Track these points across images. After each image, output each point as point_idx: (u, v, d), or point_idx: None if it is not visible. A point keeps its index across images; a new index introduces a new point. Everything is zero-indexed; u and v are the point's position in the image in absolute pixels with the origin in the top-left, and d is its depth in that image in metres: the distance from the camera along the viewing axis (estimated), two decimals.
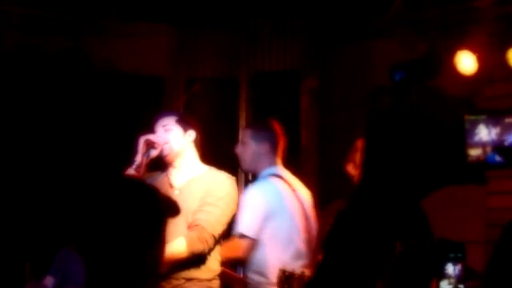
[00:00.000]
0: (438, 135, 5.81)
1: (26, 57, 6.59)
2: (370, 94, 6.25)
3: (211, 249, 4.38)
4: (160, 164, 4.57)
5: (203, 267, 4.37)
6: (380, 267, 3.54)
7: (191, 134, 4.55)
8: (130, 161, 4.38)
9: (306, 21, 6.73)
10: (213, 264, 4.43)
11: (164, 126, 4.51)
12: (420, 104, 5.72)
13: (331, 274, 3.87)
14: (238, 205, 4.55)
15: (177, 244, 4.24)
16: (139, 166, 4.34)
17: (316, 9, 6.65)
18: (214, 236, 4.33)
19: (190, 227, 4.31)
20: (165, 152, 4.47)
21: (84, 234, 2.20)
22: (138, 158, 4.38)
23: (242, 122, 6.97)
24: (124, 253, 2.20)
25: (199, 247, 4.29)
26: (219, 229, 4.36)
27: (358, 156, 4.27)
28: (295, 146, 6.62)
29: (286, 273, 3.85)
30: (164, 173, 4.56)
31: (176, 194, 4.39)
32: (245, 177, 6.75)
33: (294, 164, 6.60)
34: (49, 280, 6.26)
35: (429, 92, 6.08)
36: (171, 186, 4.48)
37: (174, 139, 4.49)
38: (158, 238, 2.28)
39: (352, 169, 4.31)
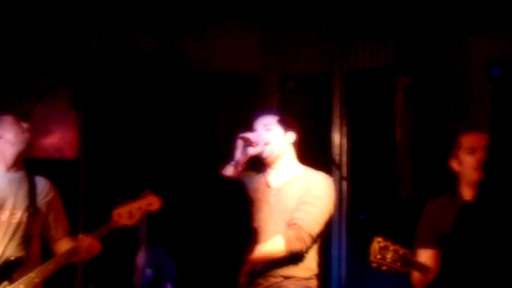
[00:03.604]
0: None
1: (122, 55, 6.71)
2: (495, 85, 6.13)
3: (308, 248, 4.36)
4: (257, 163, 4.58)
5: (301, 266, 4.37)
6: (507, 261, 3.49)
7: (291, 136, 4.52)
8: (225, 157, 4.40)
9: (401, 17, 6.65)
10: (311, 263, 4.42)
11: (265, 125, 4.48)
12: None
13: (458, 267, 3.83)
14: (335, 205, 4.52)
15: (275, 243, 4.25)
16: (237, 163, 4.34)
17: (411, 5, 6.58)
18: (311, 236, 4.32)
19: (288, 226, 4.31)
20: (266, 153, 4.45)
21: (175, 234, 2.21)
22: (237, 156, 4.38)
23: (336, 119, 6.95)
24: (215, 254, 2.20)
25: (297, 246, 4.28)
26: (316, 228, 4.35)
27: (461, 153, 4.20)
28: (390, 142, 6.57)
29: (381, 244, 3.80)
30: (261, 173, 4.55)
31: (273, 194, 4.40)
32: (339, 175, 6.73)
33: (388, 161, 6.57)
34: (149, 272, 6.36)
35: None
36: (268, 186, 4.47)
37: (275, 139, 4.46)
38: (248, 238, 2.28)
39: (456, 166, 4.23)
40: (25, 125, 4.63)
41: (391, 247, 3.80)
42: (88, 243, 4.52)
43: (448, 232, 4.10)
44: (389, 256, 3.79)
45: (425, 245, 4.18)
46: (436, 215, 4.20)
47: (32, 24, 6.35)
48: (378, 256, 3.79)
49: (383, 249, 3.79)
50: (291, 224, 4.30)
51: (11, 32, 6.27)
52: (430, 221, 4.22)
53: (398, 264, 3.80)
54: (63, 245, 4.67)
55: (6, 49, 6.25)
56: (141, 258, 5.49)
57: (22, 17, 6.30)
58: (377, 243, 3.80)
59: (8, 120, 4.62)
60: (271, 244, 4.24)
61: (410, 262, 3.85)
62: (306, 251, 4.36)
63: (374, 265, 3.82)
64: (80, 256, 4.56)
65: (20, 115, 4.70)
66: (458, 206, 4.12)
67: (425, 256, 4.12)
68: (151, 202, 4.56)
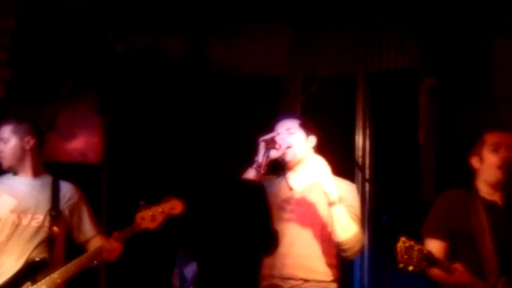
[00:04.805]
0: None
1: (147, 60, 6.75)
2: None
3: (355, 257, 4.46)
4: (277, 167, 4.59)
5: (322, 270, 4.37)
6: None
7: (312, 140, 4.53)
8: (249, 161, 4.41)
9: (425, 18, 6.63)
10: (333, 268, 4.43)
11: (288, 129, 4.50)
12: None
13: None
14: None
15: (351, 225, 4.28)
16: (259, 166, 4.35)
17: (435, 6, 6.55)
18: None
19: None
20: (289, 157, 4.46)
21: (193, 236, 2.23)
22: (259, 158, 4.39)
23: (359, 121, 6.95)
24: (235, 256, 2.22)
25: (356, 247, 4.34)
26: None
27: (484, 150, 4.20)
28: (413, 145, 6.56)
29: (406, 244, 3.80)
30: (282, 177, 4.56)
31: (296, 198, 4.40)
32: (362, 177, 6.73)
33: (411, 163, 6.56)
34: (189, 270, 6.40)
35: None
36: (290, 189, 4.47)
37: (298, 143, 4.48)
38: (269, 240, 2.29)
39: (476, 163, 4.24)
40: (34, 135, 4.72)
41: (416, 247, 3.80)
42: (110, 245, 4.59)
43: (460, 225, 4.11)
44: (415, 255, 3.78)
45: (435, 236, 4.18)
46: (450, 207, 4.20)
47: (58, 29, 6.41)
48: (405, 256, 3.78)
49: (408, 248, 3.79)
50: None
51: (37, 37, 6.33)
52: (444, 212, 4.22)
53: (424, 263, 3.80)
54: (92, 246, 4.75)
55: (32, 54, 6.31)
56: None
57: (48, 22, 6.37)
58: (402, 243, 3.79)
59: (25, 128, 4.72)
60: (351, 223, 4.28)
61: (434, 261, 3.84)
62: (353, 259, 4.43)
63: (401, 265, 3.81)
64: (102, 258, 4.62)
65: (43, 121, 4.78)
66: (474, 200, 4.13)
67: (433, 247, 4.11)
68: (174, 206, 4.58)
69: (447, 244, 4.16)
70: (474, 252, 4.05)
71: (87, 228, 4.83)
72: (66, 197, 4.76)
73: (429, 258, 3.81)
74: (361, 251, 4.47)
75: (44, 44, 6.38)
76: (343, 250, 4.33)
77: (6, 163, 4.74)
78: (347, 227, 4.25)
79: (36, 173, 4.76)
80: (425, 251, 3.81)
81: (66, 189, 4.79)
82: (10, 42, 6.09)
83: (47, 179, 4.79)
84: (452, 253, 4.15)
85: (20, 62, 6.18)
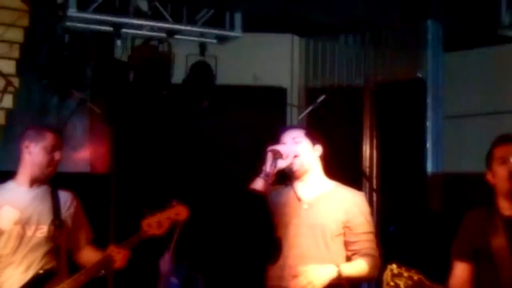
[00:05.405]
0: None
1: (155, 69, 6.77)
2: None
3: None
4: (284, 177, 4.58)
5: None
6: None
7: (318, 149, 4.52)
8: (256, 171, 4.40)
9: (431, 29, 6.65)
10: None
11: (293, 138, 4.49)
12: None
13: None
14: None
15: (360, 264, 4.27)
16: (267, 176, 4.34)
17: (442, 17, 6.57)
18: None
19: (357, 254, 4.34)
20: (296, 165, 4.45)
21: (200, 248, 2.23)
22: (267, 168, 4.39)
23: (366, 131, 6.96)
24: (239, 265, 2.22)
25: (375, 274, 4.31)
26: None
27: (494, 164, 4.19)
28: (421, 155, 6.56)
29: (395, 271, 3.77)
30: (289, 187, 4.53)
31: (304, 209, 4.39)
32: (370, 187, 6.73)
33: (419, 173, 6.56)
34: (175, 282, 6.40)
35: None
36: (299, 199, 4.45)
37: (304, 152, 4.47)
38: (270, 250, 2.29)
39: (491, 178, 4.22)
40: (59, 144, 4.71)
41: (405, 274, 3.74)
42: (119, 253, 4.59)
43: (481, 245, 4.08)
44: (402, 283, 3.73)
45: (461, 258, 4.16)
46: (473, 227, 4.17)
47: (65, 39, 6.44)
48: (391, 284, 3.73)
49: (396, 276, 3.74)
50: (363, 254, 4.33)
51: (45, 48, 6.36)
52: (467, 234, 4.19)
53: None
54: (85, 254, 4.76)
55: (40, 65, 6.34)
56: (165, 264, 5.50)
57: (55, 32, 6.40)
58: (389, 271, 3.75)
59: (47, 137, 4.69)
60: (357, 264, 4.27)
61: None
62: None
63: None
64: (110, 266, 4.61)
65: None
66: (494, 218, 4.10)
67: (461, 269, 4.10)
68: (179, 212, 4.60)
69: (473, 265, 4.14)
70: (493, 271, 4.03)
71: (83, 237, 4.84)
72: (67, 205, 4.74)
73: (420, 285, 3.77)
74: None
75: (51, 54, 6.40)
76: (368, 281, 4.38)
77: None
78: (359, 275, 4.27)
79: (38, 183, 4.76)
80: (415, 278, 3.75)
81: (66, 197, 4.77)
82: (20, 54, 6.11)
83: (46, 188, 4.78)
84: (475, 274, 4.14)
85: (28, 73, 6.20)
